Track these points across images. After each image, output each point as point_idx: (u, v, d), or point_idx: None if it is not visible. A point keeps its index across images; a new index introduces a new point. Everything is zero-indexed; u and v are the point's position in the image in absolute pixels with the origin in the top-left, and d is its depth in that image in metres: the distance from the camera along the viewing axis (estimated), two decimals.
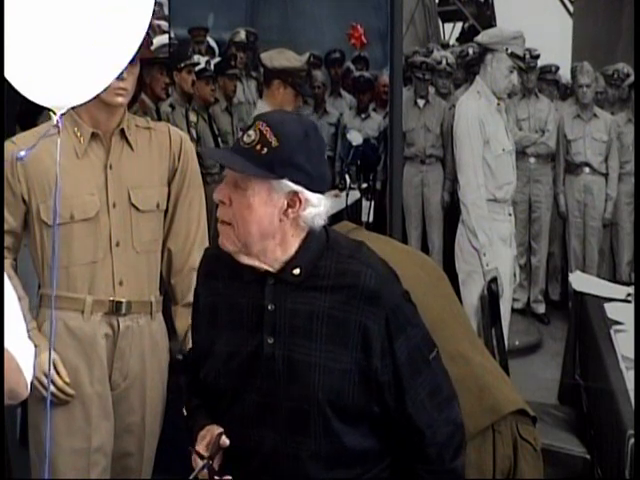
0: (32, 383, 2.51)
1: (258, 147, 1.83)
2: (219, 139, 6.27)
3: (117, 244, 2.61)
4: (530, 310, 6.79)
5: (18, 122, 3.87)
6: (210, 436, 1.97)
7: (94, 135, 2.60)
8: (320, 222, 1.91)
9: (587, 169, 6.65)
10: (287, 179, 1.84)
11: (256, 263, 1.91)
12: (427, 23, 11.47)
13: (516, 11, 10.44)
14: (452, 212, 6.21)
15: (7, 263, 2.58)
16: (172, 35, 6.46)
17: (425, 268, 2.64)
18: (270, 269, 1.91)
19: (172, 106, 6.08)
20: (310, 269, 1.91)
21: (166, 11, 6.17)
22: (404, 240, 5.86)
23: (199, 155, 2.89)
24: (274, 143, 1.83)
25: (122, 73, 2.50)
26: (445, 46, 10.28)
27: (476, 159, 4.38)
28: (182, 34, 7.52)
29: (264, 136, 1.84)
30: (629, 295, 4.18)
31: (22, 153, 1.95)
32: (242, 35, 7.77)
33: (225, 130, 6.46)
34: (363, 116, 7.40)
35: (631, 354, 3.22)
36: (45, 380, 2.54)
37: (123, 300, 2.62)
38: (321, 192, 1.89)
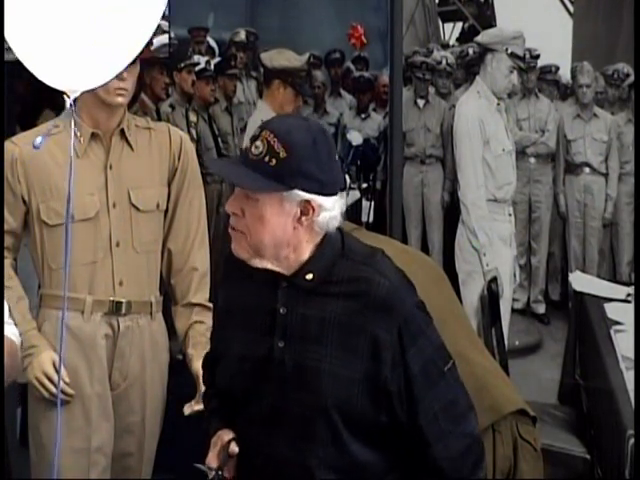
0: (32, 383, 2.54)
1: (266, 159, 1.81)
2: (219, 139, 6.27)
3: (117, 244, 2.61)
4: (530, 310, 6.79)
5: (18, 122, 3.88)
6: (220, 443, 1.97)
7: (94, 135, 2.60)
8: (335, 225, 1.89)
9: (587, 169, 6.66)
10: (298, 189, 1.82)
11: (269, 266, 1.90)
12: (427, 23, 11.47)
13: (516, 11, 10.44)
14: (452, 212, 6.20)
15: (7, 263, 2.58)
16: (172, 35, 6.44)
17: (425, 268, 2.64)
18: (284, 272, 1.91)
19: (172, 106, 6.08)
20: (323, 275, 1.89)
21: (166, 11, 6.17)
22: (404, 240, 5.85)
23: (199, 155, 2.89)
24: (282, 154, 1.80)
25: (122, 73, 2.52)
26: (445, 46, 10.28)
27: (476, 159, 4.38)
28: (182, 34, 7.51)
29: (272, 147, 1.81)
30: (629, 295, 4.18)
31: (39, 140, 1.94)
32: (242, 35, 7.77)
33: (225, 130, 6.45)
34: (363, 116, 7.40)
35: (631, 354, 3.22)
36: (45, 380, 2.55)
37: (123, 300, 2.62)
38: (334, 194, 1.87)
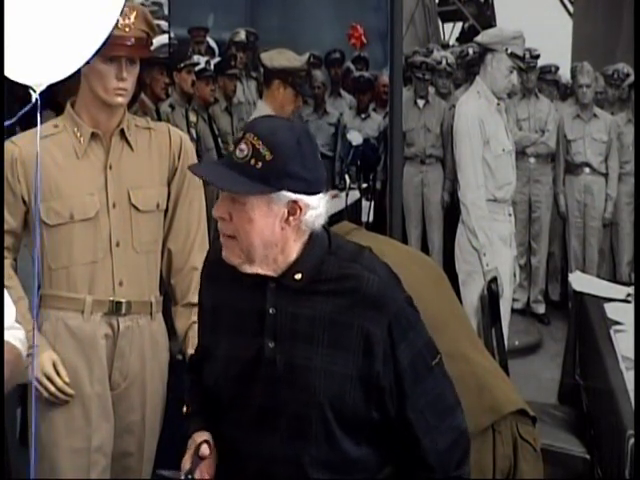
0: (32, 383, 2.54)
1: (252, 162, 1.81)
2: (219, 139, 6.27)
3: (117, 244, 2.61)
4: (530, 310, 6.79)
5: (18, 122, 3.87)
6: (193, 447, 1.97)
7: (94, 135, 2.60)
8: (321, 222, 1.90)
9: (587, 169, 6.66)
10: (285, 190, 1.82)
11: (259, 271, 1.90)
12: (427, 23, 11.47)
13: (516, 11, 10.44)
14: (452, 212, 6.20)
15: (7, 263, 2.58)
16: (172, 35, 6.47)
17: (425, 268, 2.64)
18: (272, 274, 1.91)
19: (172, 106, 6.08)
20: (312, 274, 1.89)
21: (166, 11, 6.18)
22: (404, 240, 5.85)
23: (199, 155, 2.89)
24: (268, 156, 1.80)
25: (122, 73, 2.52)
26: (445, 46, 10.28)
27: (476, 159, 4.38)
28: (182, 34, 7.52)
29: (257, 150, 1.81)
30: (629, 295, 4.18)
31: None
32: (242, 35, 7.78)
33: (225, 130, 6.46)
34: (363, 116, 7.40)
35: (631, 354, 3.21)
36: (45, 380, 2.55)
37: (123, 300, 2.62)
38: (319, 193, 1.88)
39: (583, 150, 6.63)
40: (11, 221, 2.58)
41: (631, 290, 4.22)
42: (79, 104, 2.62)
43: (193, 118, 6.11)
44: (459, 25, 12.56)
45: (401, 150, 4.31)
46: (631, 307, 3.91)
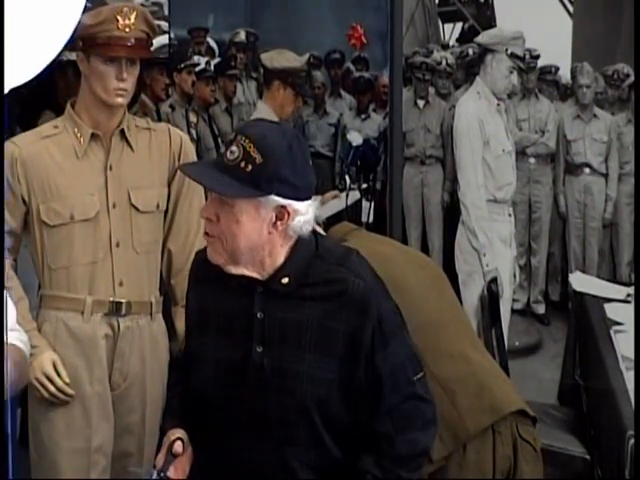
0: (32, 384, 2.54)
1: (242, 164, 1.81)
2: (219, 139, 6.27)
3: (117, 245, 2.61)
4: (530, 311, 6.79)
5: (18, 122, 3.88)
6: (167, 444, 1.97)
7: (94, 136, 2.60)
8: (309, 229, 1.90)
9: (587, 169, 6.65)
10: (274, 194, 1.82)
11: (245, 272, 1.90)
12: (427, 24, 11.47)
13: (516, 11, 10.43)
14: (452, 212, 6.20)
15: (7, 264, 2.58)
16: (172, 35, 6.46)
17: (425, 268, 2.64)
18: (259, 277, 1.91)
19: (172, 107, 6.08)
20: (299, 278, 1.90)
21: (166, 11, 6.18)
22: (404, 240, 5.85)
23: (199, 155, 2.89)
24: (258, 159, 1.80)
25: (122, 73, 2.52)
26: (445, 47, 10.28)
27: (476, 159, 4.38)
28: (182, 35, 7.52)
29: (248, 152, 1.81)
30: (629, 295, 4.18)
31: None
32: (242, 36, 7.78)
33: (225, 130, 6.46)
34: (363, 117, 7.40)
35: (631, 354, 3.21)
36: (45, 381, 2.55)
37: (123, 300, 2.62)
38: (308, 199, 1.88)
39: (583, 150, 6.63)
40: (11, 221, 2.58)
41: (631, 290, 4.22)
42: (79, 105, 2.63)
43: (193, 118, 6.11)
44: (459, 25, 12.56)
45: (401, 150, 4.31)
46: (631, 307, 3.91)
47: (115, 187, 2.61)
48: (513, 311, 4.99)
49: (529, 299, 6.83)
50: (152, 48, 2.70)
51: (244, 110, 7.04)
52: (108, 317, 2.62)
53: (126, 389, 2.67)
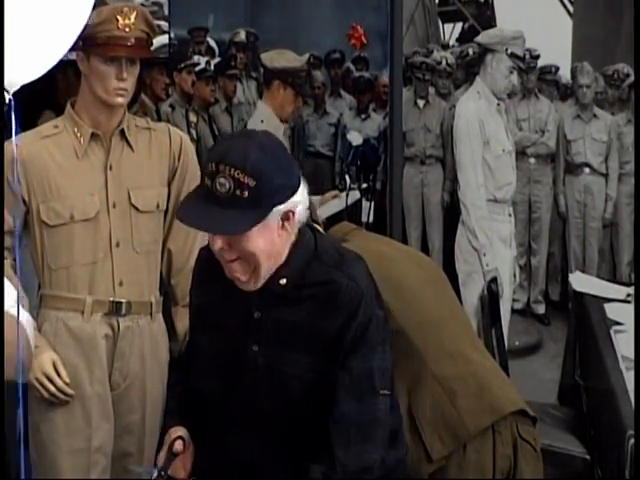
0: (32, 384, 2.54)
1: (238, 192, 1.79)
2: (219, 139, 6.27)
3: (117, 244, 2.61)
4: (530, 310, 6.79)
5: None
6: (168, 442, 1.98)
7: (94, 135, 2.60)
8: (307, 213, 1.91)
9: (587, 169, 6.66)
10: (277, 205, 1.83)
11: (260, 286, 1.91)
12: (427, 23, 11.47)
13: (516, 11, 10.44)
14: (452, 212, 6.20)
15: (7, 264, 2.58)
16: (172, 35, 6.46)
17: (425, 268, 2.64)
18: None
19: (172, 106, 6.08)
20: (296, 279, 1.91)
21: (166, 11, 6.18)
22: (404, 240, 5.86)
23: (199, 155, 2.89)
24: (252, 183, 1.78)
25: (122, 73, 2.52)
26: (445, 46, 10.29)
27: (476, 159, 4.38)
28: (182, 34, 7.52)
29: (238, 180, 1.78)
30: (629, 295, 4.18)
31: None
32: (242, 35, 7.77)
33: (225, 130, 6.46)
34: (363, 116, 7.40)
35: (631, 354, 3.21)
36: (45, 381, 2.55)
37: (123, 300, 2.62)
38: (299, 187, 1.89)
39: (583, 150, 6.63)
40: (11, 221, 2.58)
41: (631, 290, 4.21)
42: (79, 104, 2.63)
43: (193, 118, 6.12)
44: (459, 25, 12.58)
45: (401, 150, 4.31)
46: (631, 307, 3.91)
47: (115, 187, 2.61)
48: (513, 311, 4.99)
49: (529, 299, 6.83)
50: (152, 48, 2.70)
51: (244, 110, 7.04)
52: (108, 317, 2.61)
53: (126, 389, 2.66)
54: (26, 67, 1.80)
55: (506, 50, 4.38)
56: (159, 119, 5.54)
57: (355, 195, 5.95)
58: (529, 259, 6.84)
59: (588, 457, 3.37)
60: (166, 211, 2.72)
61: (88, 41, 2.50)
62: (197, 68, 6.34)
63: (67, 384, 2.56)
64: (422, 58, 7.01)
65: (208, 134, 6.21)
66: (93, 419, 2.61)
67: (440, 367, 2.43)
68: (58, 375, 2.56)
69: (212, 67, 6.81)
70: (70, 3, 1.78)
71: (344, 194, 5.47)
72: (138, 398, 2.69)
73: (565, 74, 7.45)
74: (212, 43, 7.99)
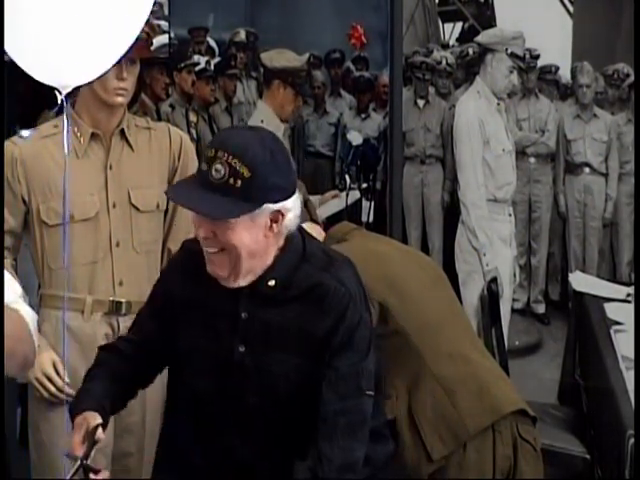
0: (32, 383, 2.54)
1: (231, 181, 1.80)
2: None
3: (117, 244, 2.61)
4: (530, 310, 6.79)
5: (18, 122, 3.87)
6: (86, 427, 1.91)
7: (94, 135, 2.60)
8: (297, 223, 1.91)
9: (587, 169, 6.66)
10: (268, 203, 1.83)
11: (242, 283, 1.91)
12: (427, 23, 11.46)
13: (516, 11, 10.43)
14: (452, 212, 6.20)
15: (7, 263, 2.58)
16: (172, 35, 6.46)
17: (425, 268, 2.64)
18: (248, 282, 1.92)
19: (172, 106, 6.08)
20: (285, 281, 1.91)
21: (166, 11, 6.18)
22: (404, 240, 5.85)
23: (199, 155, 2.89)
24: (246, 173, 1.79)
25: (122, 73, 2.52)
26: (445, 46, 10.28)
27: (476, 159, 4.38)
28: (182, 34, 7.52)
29: (234, 168, 1.79)
30: (629, 295, 4.18)
31: (26, 132, 1.95)
32: (242, 35, 7.77)
33: None
34: (363, 116, 7.40)
35: (631, 354, 3.21)
36: (45, 380, 2.55)
37: (123, 300, 2.62)
38: (294, 194, 1.89)
39: (583, 150, 6.63)
40: (11, 221, 2.58)
41: (631, 290, 4.21)
42: (79, 104, 2.62)
43: (193, 118, 6.12)
44: (459, 25, 12.55)
45: (401, 150, 4.31)
46: (631, 307, 3.91)
47: (115, 187, 2.61)
48: (513, 311, 4.99)
49: (529, 299, 6.83)
50: (152, 48, 2.70)
51: (244, 110, 7.04)
52: (108, 317, 2.62)
53: None
54: (80, 70, 1.81)
55: (506, 50, 4.38)
56: (159, 119, 5.54)
57: (355, 195, 5.98)
58: (529, 259, 6.84)
59: (588, 457, 3.37)
60: (166, 211, 2.72)
61: None
62: (197, 68, 6.34)
63: (67, 384, 2.56)
64: (422, 58, 7.01)
65: (208, 134, 6.21)
66: None
67: (440, 367, 2.43)
68: (58, 375, 2.56)
69: (212, 67, 6.82)
70: (125, 12, 1.79)
71: (344, 194, 5.50)
72: (138, 398, 2.67)
73: (565, 74, 7.45)
74: (212, 43, 7.99)
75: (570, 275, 4.91)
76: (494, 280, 4.21)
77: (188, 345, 2.01)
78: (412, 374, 2.43)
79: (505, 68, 4.39)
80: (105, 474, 1.90)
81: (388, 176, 4.19)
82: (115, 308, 2.61)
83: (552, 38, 9.19)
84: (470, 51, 6.96)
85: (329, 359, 1.89)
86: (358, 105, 7.51)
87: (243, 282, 1.91)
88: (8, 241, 2.60)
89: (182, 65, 6.22)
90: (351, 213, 5.46)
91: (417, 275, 2.56)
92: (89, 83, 2.11)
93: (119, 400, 2.11)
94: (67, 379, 2.56)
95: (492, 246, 4.35)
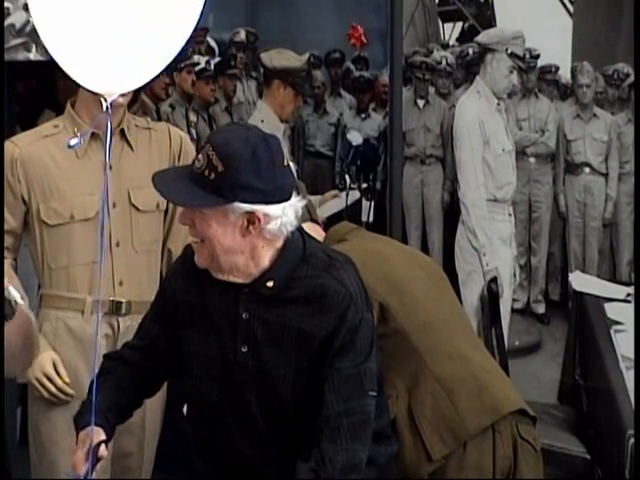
0: (32, 383, 2.54)
1: (206, 172, 1.83)
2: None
3: (117, 244, 2.61)
4: (530, 310, 6.79)
5: (18, 122, 3.87)
6: (89, 443, 1.92)
7: (94, 135, 2.59)
8: (290, 229, 1.89)
9: (587, 169, 6.66)
10: (239, 201, 1.82)
11: (230, 278, 1.92)
12: (427, 23, 11.46)
13: (516, 11, 10.44)
14: (452, 212, 6.20)
15: (7, 263, 2.58)
16: None
17: (425, 268, 2.64)
18: (245, 281, 1.92)
19: (172, 106, 6.08)
20: (284, 282, 1.91)
21: None
22: (404, 240, 5.85)
23: None
24: (220, 168, 1.81)
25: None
26: (445, 46, 10.28)
27: (476, 159, 4.38)
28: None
29: (210, 161, 1.82)
30: (629, 295, 4.18)
31: (74, 141, 1.96)
32: (242, 35, 7.77)
33: None
34: (363, 116, 7.40)
35: (631, 354, 3.22)
36: (45, 380, 2.55)
37: (123, 300, 2.62)
38: (284, 201, 1.87)
39: (583, 150, 6.63)
40: (11, 221, 2.58)
41: (631, 290, 4.21)
42: (79, 104, 2.62)
43: (193, 118, 6.11)
44: (459, 25, 12.56)
45: (401, 150, 4.31)
46: (631, 307, 3.91)
47: (115, 187, 2.60)
48: (513, 310, 4.99)
49: (529, 298, 6.83)
50: None
51: (244, 109, 7.04)
52: (108, 316, 2.61)
53: None
54: (125, 77, 1.81)
55: (506, 50, 4.38)
56: (159, 119, 5.54)
57: (355, 195, 5.98)
58: (529, 259, 6.84)
59: (588, 457, 3.37)
60: (166, 211, 2.72)
61: None
62: (197, 68, 6.33)
63: (67, 384, 2.56)
64: (422, 58, 7.01)
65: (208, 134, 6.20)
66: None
67: (440, 367, 2.43)
68: (58, 375, 2.56)
69: (212, 67, 6.81)
70: (173, 19, 1.79)
71: (344, 194, 5.49)
72: None
73: (565, 74, 7.45)
74: (212, 43, 7.99)
75: (570, 275, 4.91)
76: (494, 280, 4.21)
77: (191, 347, 2.01)
78: (412, 374, 2.43)
79: (505, 68, 4.39)
80: None
81: (388, 176, 4.19)
82: (115, 308, 2.61)
83: (552, 38, 9.18)
84: (470, 51, 6.96)
85: (331, 360, 1.89)
86: (358, 105, 7.51)
87: (233, 278, 1.91)
88: (8, 241, 2.60)
89: (182, 65, 6.21)
90: (351, 213, 5.46)
91: (417, 275, 2.55)
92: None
93: (125, 409, 2.12)
94: (67, 379, 2.56)
95: (492, 246, 4.35)
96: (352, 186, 5.88)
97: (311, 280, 1.91)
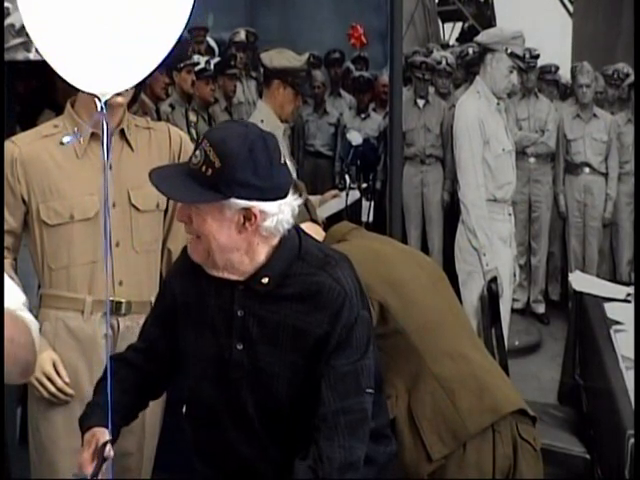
0: (32, 383, 2.54)
1: (203, 168, 1.83)
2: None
3: (117, 244, 2.61)
4: (530, 310, 6.79)
5: (18, 122, 3.87)
6: (95, 444, 1.93)
7: (94, 135, 2.60)
8: (286, 227, 1.90)
9: (587, 169, 6.66)
10: (235, 198, 1.83)
11: (225, 275, 1.92)
12: (427, 23, 11.46)
13: (516, 11, 10.45)
14: (452, 212, 6.20)
15: (7, 263, 2.58)
16: None
17: (425, 268, 2.64)
18: (240, 278, 1.93)
19: (172, 106, 6.08)
20: (279, 279, 1.91)
21: None
22: (404, 240, 5.85)
23: None
24: (217, 164, 1.82)
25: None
26: (445, 46, 10.28)
27: (476, 159, 4.38)
28: (182, 34, 7.51)
29: (208, 157, 1.83)
30: (629, 295, 4.17)
31: (66, 139, 1.96)
32: (242, 35, 7.77)
33: None
34: (363, 116, 7.40)
35: (631, 354, 3.21)
36: (45, 380, 2.55)
37: (123, 300, 2.62)
38: (280, 198, 1.87)
39: (583, 150, 6.63)
40: (11, 221, 2.58)
41: (631, 290, 4.21)
42: (79, 104, 2.62)
43: (193, 118, 6.11)
44: (459, 25, 12.57)
45: (401, 150, 4.31)
46: (631, 307, 3.90)
47: (115, 187, 2.60)
48: (513, 310, 4.99)
49: (529, 298, 6.83)
50: None
51: (244, 109, 7.04)
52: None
53: None
54: (118, 77, 1.82)
55: (506, 50, 4.38)
56: (159, 119, 5.54)
57: (355, 195, 5.97)
58: (529, 258, 6.84)
59: (588, 457, 3.37)
60: (166, 211, 2.72)
61: None
62: (197, 68, 6.33)
63: (67, 384, 2.56)
64: (422, 58, 7.00)
65: None
66: None
67: (440, 367, 2.43)
68: (58, 375, 2.56)
69: (212, 67, 6.81)
70: (164, 19, 1.80)
71: (344, 194, 5.49)
72: None
73: (565, 74, 7.45)
74: (212, 43, 7.99)
75: (570, 275, 4.90)
76: (494, 280, 4.21)
77: (188, 346, 2.02)
78: (412, 374, 2.43)
79: (505, 68, 4.39)
80: None
81: (388, 176, 4.18)
82: (115, 308, 2.61)
83: (552, 38, 9.19)
84: (470, 51, 6.96)
85: (327, 358, 1.89)
86: (358, 105, 7.51)
87: (228, 275, 1.92)
88: (8, 241, 2.60)
89: (182, 65, 6.21)
90: (351, 213, 5.45)
91: (417, 275, 2.55)
92: None
93: (130, 411, 2.13)
94: (67, 379, 2.56)
95: (492, 246, 4.35)
96: (352, 186, 5.87)
97: (306, 277, 1.91)
